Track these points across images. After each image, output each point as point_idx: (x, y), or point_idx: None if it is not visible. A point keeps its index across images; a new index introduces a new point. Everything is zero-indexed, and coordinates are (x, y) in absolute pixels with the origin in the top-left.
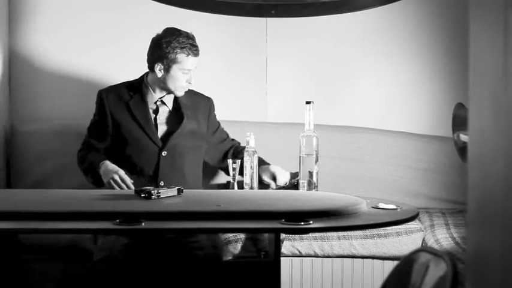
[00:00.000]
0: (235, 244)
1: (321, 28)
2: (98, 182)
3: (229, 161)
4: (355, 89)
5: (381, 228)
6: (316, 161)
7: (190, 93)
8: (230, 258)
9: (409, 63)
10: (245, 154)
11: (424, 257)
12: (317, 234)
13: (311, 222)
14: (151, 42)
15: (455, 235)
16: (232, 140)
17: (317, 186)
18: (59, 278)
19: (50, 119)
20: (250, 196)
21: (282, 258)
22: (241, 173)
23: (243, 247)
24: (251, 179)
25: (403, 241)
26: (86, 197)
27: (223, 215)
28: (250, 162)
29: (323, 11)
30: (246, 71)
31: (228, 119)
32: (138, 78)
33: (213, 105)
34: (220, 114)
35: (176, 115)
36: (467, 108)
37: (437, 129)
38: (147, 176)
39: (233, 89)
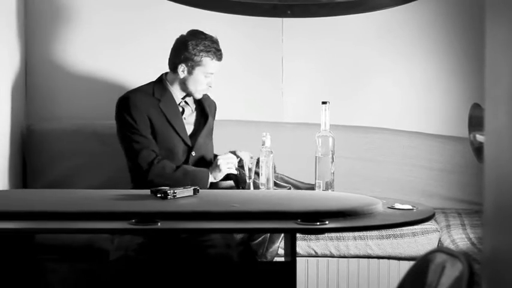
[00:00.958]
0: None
1: (337, 28)
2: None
3: (245, 160)
4: (371, 89)
5: (397, 229)
6: (332, 161)
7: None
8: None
9: (424, 63)
10: (261, 154)
11: (440, 257)
12: (333, 235)
13: (327, 222)
14: (175, 43)
15: (471, 235)
16: None
17: (333, 187)
18: (75, 278)
19: (66, 118)
20: (265, 196)
21: (297, 259)
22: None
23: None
24: (267, 179)
25: (419, 241)
26: (102, 197)
27: (239, 215)
28: (266, 163)
29: (339, 11)
30: (262, 71)
31: (244, 119)
32: (157, 79)
33: (216, 109)
34: (235, 114)
35: (198, 115)
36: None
37: (453, 130)
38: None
39: (249, 88)
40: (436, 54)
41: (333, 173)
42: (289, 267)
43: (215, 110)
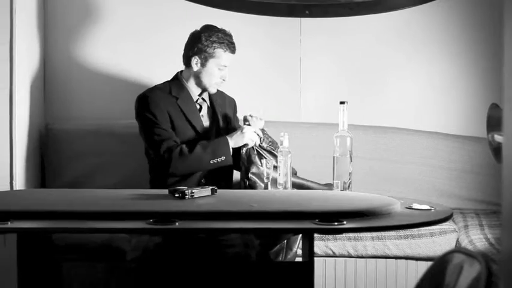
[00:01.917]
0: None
1: (355, 28)
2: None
3: (263, 161)
4: (390, 89)
5: (415, 229)
6: (350, 161)
7: (217, 92)
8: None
9: (443, 63)
10: (279, 154)
11: (458, 257)
12: (351, 235)
13: (345, 222)
14: (189, 37)
15: (489, 236)
16: None
17: (351, 187)
18: (93, 277)
19: (84, 118)
20: (283, 196)
21: (315, 259)
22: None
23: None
24: (285, 179)
25: (437, 242)
26: (120, 197)
27: (257, 215)
28: (284, 162)
29: (357, 11)
30: (280, 70)
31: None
32: (173, 78)
33: (236, 105)
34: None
35: (212, 112)
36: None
37: (472, 130)
38: (195, 177)
39: (267, 88)
40: (455, 54)
41: (351, 173)
42: (306, 267)
43: (235, 106)
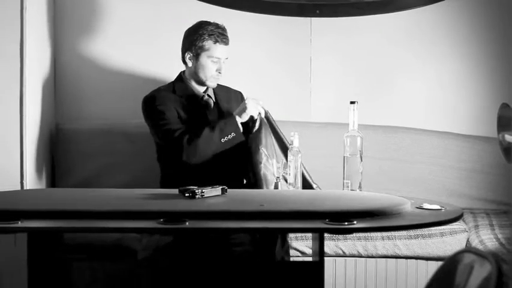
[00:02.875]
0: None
1: (365, 27)
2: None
3: (274, 160)
4: (400, 89)
5: (425, 229)
6: (361, 161)
7: (222, 86)
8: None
9: (453, 63)
10: (289, 154)
11: (468, 257)
12: (361, 235)
13: (355, 222)
14: (183, 34)
15: (499, 236)
16: None
17: (361, 187)
18: (103, 277)
19: (95, 118)
20: (293, 196)
21: (325, 258)
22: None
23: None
24: (295, 179)
25: (447, 242)
26: (130, 196)
27: (267, 214)
28: (294, 162)
29: (367, 11)
30: (290, 70)
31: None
32: (176, 78)
33: (244, 97)
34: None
35: (217, 109)
36: None
37: (482, 130)
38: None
39: (277, 88)
40: (465, 54)
41: (361, 173)
42: (317, 267)
43: (242, 98)
